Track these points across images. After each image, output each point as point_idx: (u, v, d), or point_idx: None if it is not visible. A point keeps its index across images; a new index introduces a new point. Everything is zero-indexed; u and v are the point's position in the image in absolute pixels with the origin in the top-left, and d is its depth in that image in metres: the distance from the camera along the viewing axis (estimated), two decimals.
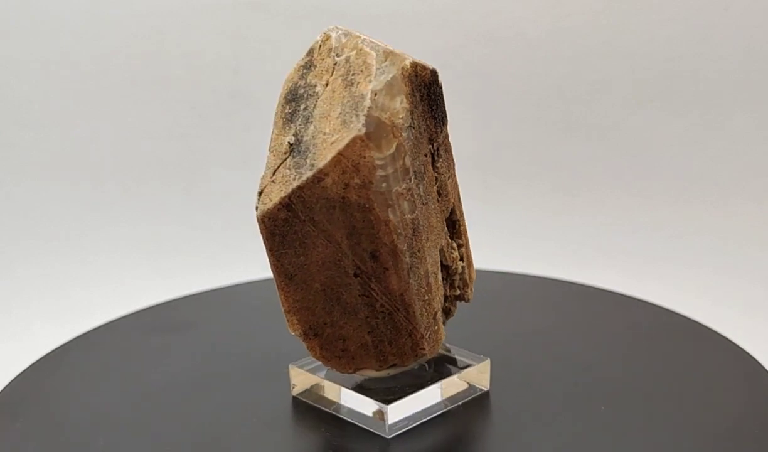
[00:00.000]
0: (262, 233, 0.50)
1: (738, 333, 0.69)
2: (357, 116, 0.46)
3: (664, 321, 0.68)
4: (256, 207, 0.49)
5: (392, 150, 0.47)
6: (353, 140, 0.46)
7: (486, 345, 0.62)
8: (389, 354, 0.52)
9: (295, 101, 0.50)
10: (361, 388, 0.54)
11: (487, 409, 0.55)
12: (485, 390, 0.57)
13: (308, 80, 0.50)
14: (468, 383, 0.57)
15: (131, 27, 1.36)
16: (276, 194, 0.48)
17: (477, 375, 0.57)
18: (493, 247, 1.27)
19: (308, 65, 0.50)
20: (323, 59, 0.49)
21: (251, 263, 1.19)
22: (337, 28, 0.50)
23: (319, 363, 0.56)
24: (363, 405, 0.53)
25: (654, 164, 1.35)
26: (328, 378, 0.55)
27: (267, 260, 0.51)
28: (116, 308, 0.88)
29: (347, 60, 0.48)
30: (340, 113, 0.47)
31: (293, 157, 0.48)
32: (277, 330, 0.68)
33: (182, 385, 0.59)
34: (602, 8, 1.34)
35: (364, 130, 0.46)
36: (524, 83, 1.36)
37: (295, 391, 0.56)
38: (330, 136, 0.47)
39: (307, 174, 0.47)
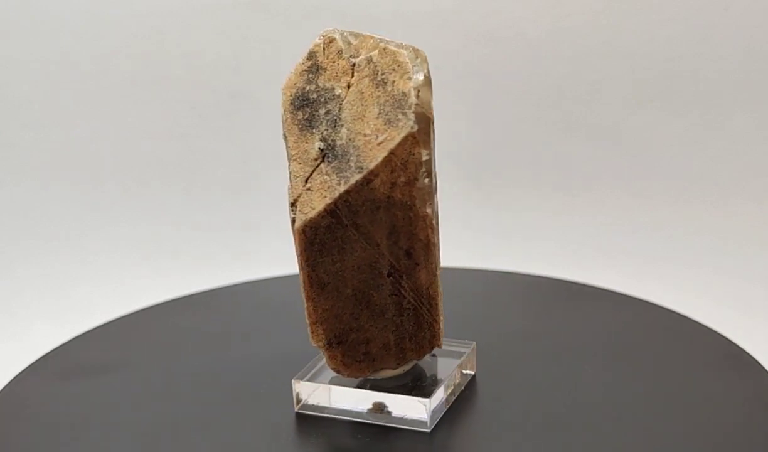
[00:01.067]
0: (299, 243, 0.48)
1: (738, 333, 0.69)
2: (404, 113, 0.46)
3: (664, 321, 0.68)
4: (293, 219, 0.48)
5: (432, 145, 0.48)
6: (405, 138, 0.46)
7: (484, 343, 0.62)
8: (408, 350, 0.52)
9: (309, 107, 0.49)
10: (377, 388, 0.53)
11: (475, 390, 0.57)
12: (472, 373, 0.58)
13: (320, 84, 0.49)
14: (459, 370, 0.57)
15: (131, 27, 1.36)
16: (318, 202, 0.47)
17: (467, 361, 0.58)
18: (494, 247, 1.27)
19: (314, 69, 0.49)
20: (334, 62, 0.49)
21: (251, 263, 1.19)
22: (336, 30, 0.50)
23: (320, 370, 0.55)
24: (390, 404, 0.53)
25: (654, 164, 1.35)
26: (335, 384, 0.54)
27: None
28: (116, 308, 0.88)
29: (370, 60, 0.48)
30: (380, 113, 0.47)
31: (329, 162, 0.48)
32: (273, 335, 0.68)
33: (183, 391, 0.59)
34: (602, 8, 1.34)
35: (416, 127, 0.46)
36: (524, 83, 1.36)
37: (300, 406, 0.54)
38: (374, 136, 0.47)
39: (356, 177, 0.47)
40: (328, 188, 0.47)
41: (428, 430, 0.52)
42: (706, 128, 1.33)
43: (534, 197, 1.36)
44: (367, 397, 0.53)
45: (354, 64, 0.49)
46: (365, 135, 0.47)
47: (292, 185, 0.48)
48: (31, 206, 1.33)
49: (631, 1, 1.34)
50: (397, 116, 0.47)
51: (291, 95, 0.49)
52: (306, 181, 0.48)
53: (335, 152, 0.48)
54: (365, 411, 0.53)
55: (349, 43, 0.49)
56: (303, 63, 0.50)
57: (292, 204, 0.48)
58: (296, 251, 0.49)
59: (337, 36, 0.49)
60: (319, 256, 0.49)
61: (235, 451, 0.51)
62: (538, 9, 1.35)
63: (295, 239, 0.49)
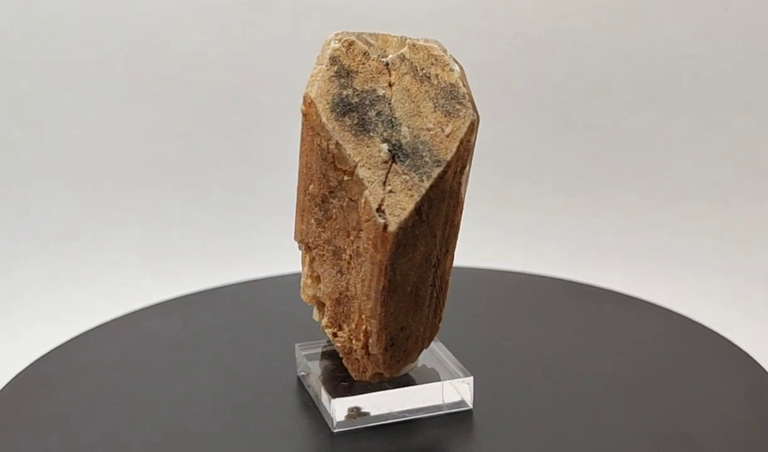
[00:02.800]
0: (391, 247, 0.47)
1: (738, 334, 0.69)
2: (461, 103, 0.48)
3: (663, 321, 0.68)
4: (384, 225, 0.47)
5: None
6: (470, 127, 0.48)
7: (483, 342, 0.62)
8: (425, 339, 0.53)
9: (354, 111, 0.48)
10: (398, 385, 0.54)
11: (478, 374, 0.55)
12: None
13: (357, 87, 0.48)
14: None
15: (131, 27, 1.36)
16: (407, 202, 0.47)
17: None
18: (494, 247, 1.27)
19: (343, 74, 0.48)
20: (363, 64, 0.48)
21: (251, 263, 1.19)
22: (346, 32, 0.49)
23: (342, 382, 0.54)
24: (415, 398, 0.53)
25: (654, 164, 1.35)
26: (368, 392, 0.53)
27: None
28: (116, 308, 0.88)
29: (403, 58, 0.48)
30: (436, 106, 0.48)
31: (401, 162, 0.48)
32: (275, 335, 0.68)
33: (181, 392, 0.59)
34: (602, 8, 1.34)
35: (475, 114, 0.48)
36: (524, 83, 1.36)
37: (340, 425, 0.53)
38: (439, 129, 0.48)
39: (437, 171, 0.47)
40: (412, 186, 0.47)
41: (471, 407, 0.53)
42: (706, 128, 1.33)
43: (534, 197, 1.36)
44: (408, 394, 0.53)
45: (387, 64, 0.49)
46: (429, 129, 0.48)
47: (370, 192, 0.47)
48: (31, 206, 1.33)
49: (631, 1, 1.34)
50: (454, 106, 0.48)
51: (329, 103, 0.48)
52: (384, 184, 0.47)
53: (404, 151, 0.48)
54: (404, 409, 0.53)
55: (370, 44, 0.49)
56: (327, 69, 0.48)
57: (378, 209, 0.47)
58: (375, 257, 0.48)
59: (353, 38, 0.49)
60: (401, 257, 0.48)
61: None
62: (538, 9, 1.35)
63: (380, 245, 0.47)
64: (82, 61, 1.36)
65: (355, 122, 0.48)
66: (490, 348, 0.62)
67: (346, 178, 0.48)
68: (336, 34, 0.49)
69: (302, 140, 0.50)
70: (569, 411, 0.53)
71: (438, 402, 0.53)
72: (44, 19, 1.35)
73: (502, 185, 1.37)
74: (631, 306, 0.71)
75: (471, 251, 1.21)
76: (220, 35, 1.37)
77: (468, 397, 0.54)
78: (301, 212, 0.51)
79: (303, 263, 0.53)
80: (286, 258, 0.89)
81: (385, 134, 0.48)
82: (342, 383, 0.53)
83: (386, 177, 0.47)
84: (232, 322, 0.71)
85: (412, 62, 0.49)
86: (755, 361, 0.60)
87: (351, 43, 0.49)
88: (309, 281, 0.52)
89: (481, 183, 1.38)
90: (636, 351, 0.62)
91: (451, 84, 0.48)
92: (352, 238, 0.49)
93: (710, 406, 0.54)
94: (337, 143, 0.48)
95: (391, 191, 0.47)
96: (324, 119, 0.48)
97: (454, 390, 0.54)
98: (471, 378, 0.53)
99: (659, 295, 0.83)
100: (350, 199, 0.48)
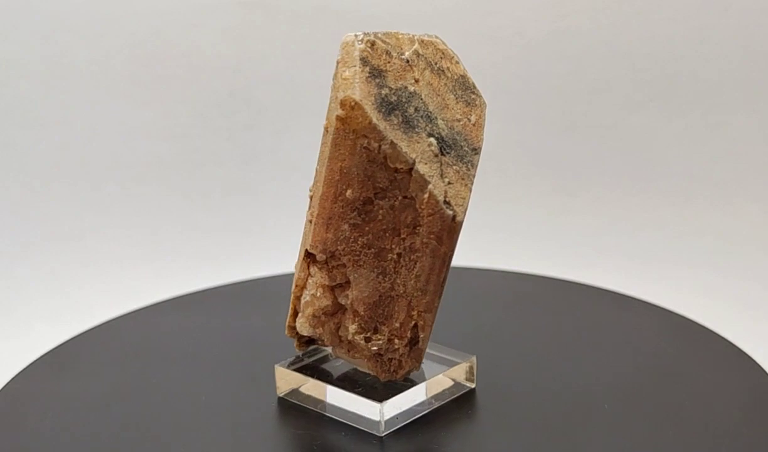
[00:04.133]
0: (456, 238, 0.49)
1: (738, 334, 0.69)
2: (474, 92, 0.51)
3: (663, 321, 0.68)
4: (453, 216, 0.49)
5: None
6: (484, 112, 0.51)
7: (483, 341, 0.62)
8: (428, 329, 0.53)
9: (397, 109, 0.48)
10: (409, 382, 0.54)
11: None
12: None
13: (392, 86, 0.48)
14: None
15: (131, 27, 1.36)
16: (464, 191, 0.49)
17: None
18: (494, 247, 1.27)
19: (376, 74, 0.48)
20: (388, 62, 0.48)
21: (251, 262, 1.19)
22: (365, 33, 0.49)
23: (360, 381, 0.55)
24: (431, 388, 0.55)
25: (654, 164, 1.35)
26: (396, 392, 0.53)
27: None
28: (116, 308, 0.88)
29: (417, 54, 0.49)
30: (456, 98, 0.50)
31: (447, 154, 0.49)
32: (275, 333, 0.68)
33: (181, 391, 0.59)
34: (602, 8, 1.34)
35: (486, 102, 0.51)
36: (524, 83, 1.36)
37: (384, 428, 0.52)
38: (466, 119, 0.50)
39: (476, 158, 0.50)
40: (464, 175, 0.49)
41: (473, 386, 0.56)
42: (706, 128, 1.33)
43: (534, 197, 1.36)
44: (425, 387, 0.54)
45: (408, 61, 0.49)
46: (458, 120, 0.50)
47: (434, 185, 0.48)
48: (31, 206, 1.33)
49: (631, 1, 1.34)
50: (470, 96, 0.50)
51: (373, 103, 0.47)
52: (442, 176, 0.49)
53: (446, 143, 0.49)
54: (424, 400, 0.54)
55: (386, 43, 0.49)
56: (361, 70, 0.47)
57: (444, 201, 0.48)
58: (439, 250, 0.49)
59: (372, 38, 0.48)
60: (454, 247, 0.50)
61: None
62: (538, 9, 1.35)
63: (446, 236, 0.49)
64: (82, 60, 1.36)
65: (400, 119, 0.48)
66: (490, 347, 0.62)
67: (399, 176, 0.48)
68: (356, 35, 0.48)
69: (336, 145, 0.48)
70: (568, 409, 0.53)
71: (449, 384, 0.55)
72: (44, 19, 1.35)
73: (502, 185, 1.37)
74: (631, 306, 0.71)
75: (472, 251, 1.22)
76: (220, 35, 1.38)
77: (473, 376, 0.56)
78: (327, 221, 0.49)
79: (308, 276, 0.51)
80: (285, 258, 0.89)
81: (427, 128, 0.48)
82: (356, 389, 0.53)
83: (441, 170, 0.49)
84: (232, 322, 0.71)
85: (426, 58, 0.49)
86: (755, 361, 0.60)
87: (373, 43, 0.48)
88: (320, 291, 0.51)
89: (481, 183, 1.38)
90: (635, 351, 0.62)
91: (462, 75, 0.50)
92: (403, 236, 0.49)
93: (710, 406, 0.54)
94: (391, 142, 0.47)
95: (449, 183, 0.49)
96: (374, 120, 0.47)
97: (460, 374, 0.56)
98: (474, 357, 0.56)
99: (659, 295, 0.83)
100: (404, 196, 0.48)
